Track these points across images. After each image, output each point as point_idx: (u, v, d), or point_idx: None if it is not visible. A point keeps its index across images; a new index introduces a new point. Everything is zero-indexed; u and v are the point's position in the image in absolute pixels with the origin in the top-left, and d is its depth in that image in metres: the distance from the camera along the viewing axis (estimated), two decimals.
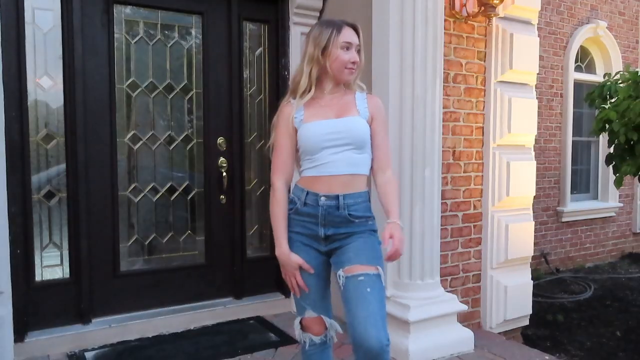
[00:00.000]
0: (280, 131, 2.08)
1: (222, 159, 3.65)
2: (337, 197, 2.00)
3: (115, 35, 3.32)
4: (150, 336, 3.35)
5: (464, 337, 3.24)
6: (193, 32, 3.60)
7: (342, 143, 2.01)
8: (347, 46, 2.04)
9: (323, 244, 2.05)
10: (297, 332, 2.15)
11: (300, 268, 2.03)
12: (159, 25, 3.48)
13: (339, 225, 2.02)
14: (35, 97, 3.12)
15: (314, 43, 2.05)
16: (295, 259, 2.02)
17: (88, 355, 3.10)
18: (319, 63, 2.04)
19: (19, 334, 3.02)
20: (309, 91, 2.06)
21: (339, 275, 1.98)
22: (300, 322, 2.12)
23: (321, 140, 2.00)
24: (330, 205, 2.00)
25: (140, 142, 3.46)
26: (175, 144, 3.57)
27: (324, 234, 2.03)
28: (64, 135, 3.21)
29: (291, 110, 2.06)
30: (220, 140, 3.66)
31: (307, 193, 2.03)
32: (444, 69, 3.30)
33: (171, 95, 3.54)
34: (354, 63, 2.05)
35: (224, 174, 3.66)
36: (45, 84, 3.15)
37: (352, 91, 2.14)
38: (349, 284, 1.95)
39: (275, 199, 2.05)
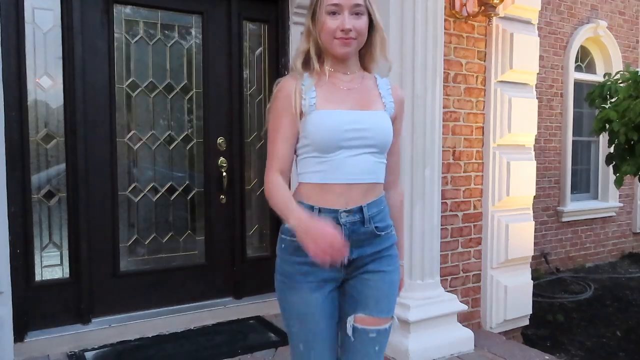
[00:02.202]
0: (279, 113, 1.59)
1: (222, 158, 3.65)
2: (360, 209, 1.59)
3: (115, 35, 3.32)
4: (150, 336, 3.35)
5: (464, 337, 3.24)
6: (193, 32, 3.60)
7: (365, 144, 1.58)
8: (335, 10, 1.56)
9: (342, 272, 1.63)
10: None
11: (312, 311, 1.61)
12: (159, 25, 3.48)
13: (363, 244, 1.62)
14: (35, 97, 3.12)
15: (308, 11, 1.65)
16: (322, 219, 1.49)
17: (88, 355, 3.10)
18: (311, 35, 1.62)
19: (19, 334, 3.01)
20: (311, 70, 1.63)
21: (349, 322, 1.64)
22: None
23: (340, 138, 1.55)
24: (354, 222, 1.59)
25: (140, 142, 3.46)
26: (175, 144, 3.57)
27: (347, 259, 1.57)
28: (64, 135, 3.21)
29: (297, 86, 1.59)
30: (220, 140, 3.66)
31: (320, 211, 1.57)
32: (444, 69, 3.30)
33: (171, 95, 3.54)
34: (344, 31, 1.56)
35: (224, 173, 3.65)
36: (45, 83, 3.15)
37: (369, 74, 1.70)
38: (357, 337, 1.63)
39: (274, 186, 1.56)
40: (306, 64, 1.64)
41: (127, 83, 3.40)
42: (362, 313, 1.62)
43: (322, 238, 1.38)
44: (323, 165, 1.57)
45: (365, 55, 1.68)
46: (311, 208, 1.57)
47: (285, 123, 1.58)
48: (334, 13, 1.57)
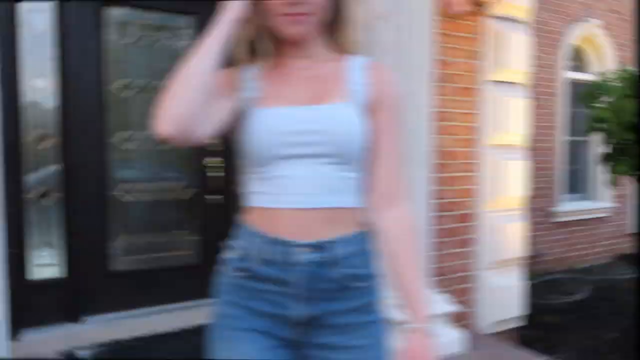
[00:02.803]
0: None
1: (219, 158, 3.66)
2: (323, 245, 1.13)
3: (108, 36, 3.33)
4: (144, 335, 3.35)
5: (456, 338, 3.25)
6: (187, 32, 3.60)
7: (317, 152, 1.13)
8: None
9: (294, 331, 1.17)
10: None
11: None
12: (152, 27, 3.48)
13: (332, 298, 1.16)
14: (29, 98, 3.12)
15: None
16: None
17: (82, 353, 3.11)
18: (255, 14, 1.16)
19: (13, 333, 3.02)
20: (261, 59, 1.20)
21: None
22: None
23: (274, 143, 1.13)
24: (316, 262, 1.13)
25: (135, 142, 3.46)
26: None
27: (305, 314, 1.15)
28: (58, 136, 3.21)
29: (234, 75, 1.20)
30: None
31: (267, 241, 1.16)
32: (435, 68, 3.31)
33: None
34: (293, 4, 1.11)
35: (221, 173, 3.66)
36: (39, 85, 3.15)
37: (347, 55, 1.23)
38: None
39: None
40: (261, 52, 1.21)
41: (120, 84, 3.40)
42: None
43: None
44: (263, 184, 1.17)
45: (332, 33, 1.23)
46: (257, 236, 1.18)
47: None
48: None
